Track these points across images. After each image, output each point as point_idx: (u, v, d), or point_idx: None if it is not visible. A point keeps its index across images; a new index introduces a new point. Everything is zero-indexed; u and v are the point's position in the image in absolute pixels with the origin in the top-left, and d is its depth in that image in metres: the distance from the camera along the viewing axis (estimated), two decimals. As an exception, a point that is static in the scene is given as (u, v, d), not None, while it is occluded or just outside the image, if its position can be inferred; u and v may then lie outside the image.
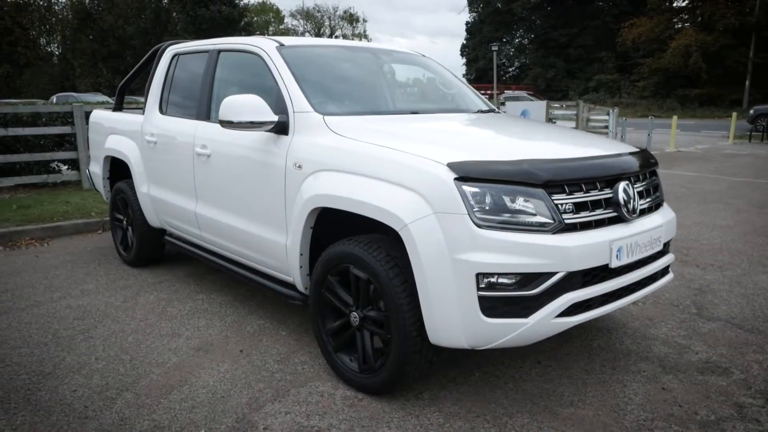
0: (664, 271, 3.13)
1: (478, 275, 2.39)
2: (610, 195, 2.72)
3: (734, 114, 20.06)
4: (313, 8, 66.41)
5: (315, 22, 68.16)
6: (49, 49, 55.36)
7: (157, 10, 46.23)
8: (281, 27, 69.72)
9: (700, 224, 6.62)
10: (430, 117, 3.56)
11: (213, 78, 3.94)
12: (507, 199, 2.46)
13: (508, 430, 2.58)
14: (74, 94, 25.87)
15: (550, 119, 14.75)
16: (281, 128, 3.22)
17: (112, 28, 45.89)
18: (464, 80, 4.54)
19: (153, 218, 4.68)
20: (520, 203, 2.47)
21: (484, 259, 2.38)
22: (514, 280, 2.43)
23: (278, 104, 3.29)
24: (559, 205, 2.52)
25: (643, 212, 2.92)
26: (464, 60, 57.11)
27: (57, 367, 3.21)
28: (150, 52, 4.98)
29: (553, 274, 2.44)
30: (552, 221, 2.49)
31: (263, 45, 3.62)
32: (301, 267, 3.14)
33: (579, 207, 2.59)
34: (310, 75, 3.50)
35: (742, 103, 33.40)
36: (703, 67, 34.32)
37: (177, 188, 4.22)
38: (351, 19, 66.95)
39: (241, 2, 46.20)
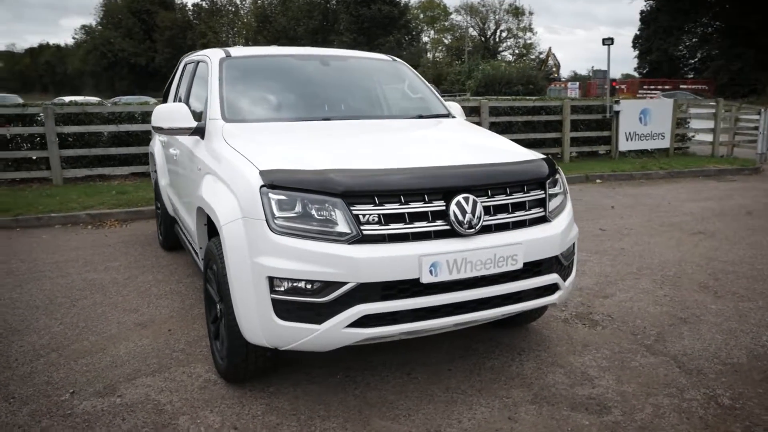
0: (538, 292, 2.94)
1: (270, 279, 2.53)
2: (443, 208, 2.65)
3: None
4: (478, 3, 65.72)
5: (480, 17, 67.65)
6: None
7: (325, 11, 49.40)
8: (446, 24, 70.31)
9: None
10: (336, 124, 3.62)
11: (178, 86, 4.44)
12: (311, 208, 2.56)
13: (309, 431, 2.68)
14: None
15: (681, 120, 13.33)
16: (201, 133, 3.57)
17: (285, 29, 49.99)
18: (430, 86, 4.50)
19: (170, 208, 5.32)
20: (323, 212, 2.55)
21: (276, 264, 2.51)
22: (307, 287, 2.52)
23: (205, 111, 3.65)
24: (360, 216, 2.55)
25: (495, 228, 2.78)
26: (636, 52, 52.78)
27: (27, 327, 3.91)
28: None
29: (343, 283, 2.49)
30: (349, 231, 2.53)
31: (212, 56, 4.01)
32: (201, 260, 3.48)
33: (391, 218, 2.59)
34: (241, 85, 3.81)
35: None
36: None
37: (170, 183, 4.80)
38: (516, 12, 65.35)
39: (402, 1, 47.44)
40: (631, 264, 5.31)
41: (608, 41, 12.02)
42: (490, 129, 11.41)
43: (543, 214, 2.97)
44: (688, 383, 3.11)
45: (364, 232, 2.54)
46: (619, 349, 3.53)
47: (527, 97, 14.84)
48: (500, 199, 2.83)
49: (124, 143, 9.37)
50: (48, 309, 4.24)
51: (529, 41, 66.75)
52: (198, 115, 3.79)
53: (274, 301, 2.55)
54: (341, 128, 3.52)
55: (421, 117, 4.02)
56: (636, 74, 53.47)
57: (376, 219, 2.57)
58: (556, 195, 3.15)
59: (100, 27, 71.64)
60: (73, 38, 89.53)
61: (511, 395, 2.98)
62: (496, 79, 33.79)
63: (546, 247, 2.90)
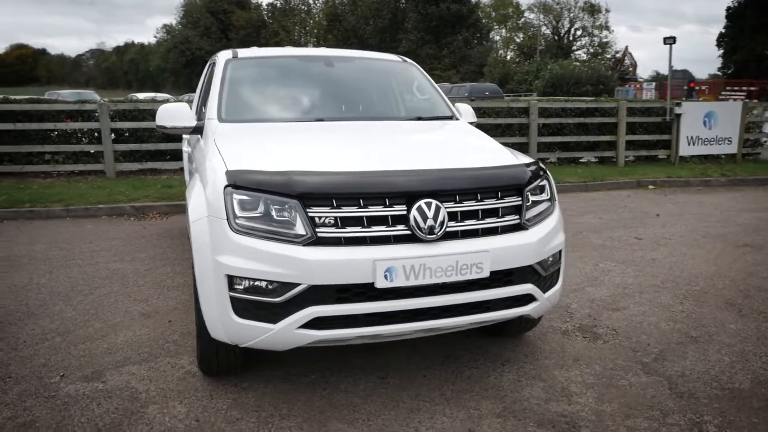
0: (510, 302, 2.84)
1: (229, 277, 2.58)
2: (404, 212, 2.62)
3: None
4: (552, 0, 63.97)
5: (554, 15, 65.90)
6: (306, 49, 63.07)
7: (395, 10, 49.57)
8: (519, 22, 68.94)
9: (815, 264, 5.28)
10: (328, 125, 3.63)
11: (202, 85, 4.58)
12: (272, 209, 2.59)
13: (265, 429, 2.71)
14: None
15: (752, 124, 12.50)
16: (200, 132, 3.69)
17: (354, 27, 50.57)
18: (438, 88, 4.43)
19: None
20: (282, 213, 2.58)
21: (234, 263, 2.56)
22: (263, 287, 2.56)
23: (206, 110, 3.77)
24: (316, 218, 2.55)
25: (462, 235, 2.71)
26: (721, 51, 49.88)
27: (44, 311, 4.17)
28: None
29: (296, 285, 2.51)
30: (304, 233, 2.54)
31: (221, 56, 4.13)
32: None
33: (348, 221, 2.58)
34: (242, 85, 3.90)
35: None
36: None
37: (186, 181, 4.99)
38: (592, 10, 63.17)
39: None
40: (656, 276, 5.04)
41: (670, 40, 11.43)
42: (539, 131, 11.23)
43: (518, 221, 2.87)
44: (675, 407, 2.92)
45: (319, 235, 2.55)
46: (612, 365, 3.37)
47: (582, 98, 14.32)
48: (469, 205, 2.76)
49: (177, 138, 9.76)
50: (67, 295, 4.49)
51: (604, 39, 64.41)
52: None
53: (233, 299, 2.60)
54: (331, 130, 3.53)
55: (420, 119, 3.98)
56: (721, 74, 50.53)
57: (333, 222, 2.57)
58: (540, 202, 3.04)
59: (179, 26, 74.97)
60: (155, 37, 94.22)
61: (479, 407, 2.90)
62: (564, 79, 32.84)
63: (518, 255, 2.80)
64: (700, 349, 3.59)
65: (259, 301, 2.57)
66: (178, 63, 71.85)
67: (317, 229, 2.56)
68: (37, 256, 5.60)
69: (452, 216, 2.71)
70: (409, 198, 2.65)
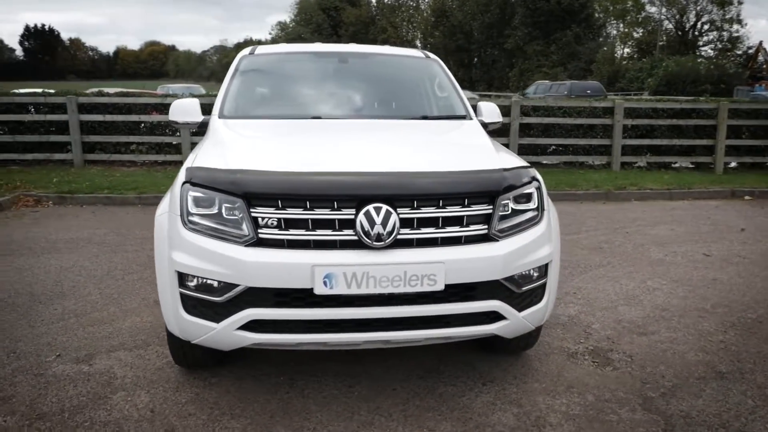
0: (472, 319, 2.63)
1: (179, 273, 2.60)
2: (352, 217, 2.50)
3: None
4: (677, -9, 59.30)
5: (678, 8, 61.20)
6: (411, 45, 63.37)
7: (503, 5, 48.37)
8: (638, 16, 64.77)
9: None
10: (320, 123, 3.54)
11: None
12: (223, 208, 2.57)
13: (210, 427, 2.70)
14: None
15: None
16: (206, 127, 3.75)
17: (461, 23, 49.99)
18: (457, 86, 4.19)
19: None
20: (231, 213, 2.55)
21: (183, 260, 2.58)
22: (207, 285, 2.55)
23: None
24: (260, 219, 2.50)
25: (417, 243, 2.54)
26: None
27: (73, 293, 4.46)
28: None
29: (236, 285, 2.47)
30: (247, 234, 2.50)
31: (242, 52, 4.18)
32: None
33: (292, 224, 2.50)
34: (249, 82, 3.92)
35: None
36: None
37: None
38: (722, 2, 57.92)
39: (585, -8, 44.86)
40: (708, 299, 4.50)
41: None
42: (626, 133, 10.41)
43: (485, 231, 2.64)
44: (662, 452, 2.57)
45: (261, 236, 2.49)
46: (608, 396, 3.03)
47: (676, 98, 13.11)
48: (428, 212, 2.58)
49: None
50: (101, 279, 4.78)
51: (735, 34, 58.89)
52: None
53: (182, 296, 2.62)
54: (322, 128, 3.46)
55: (425, 118, 3.79)
56: None
57: (276, 223, 2.50)
58: (522, 211, 2.79)
59: (293, 23, 78.00)
60: (269, 34, 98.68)
61: (437, 428, 2.72)
62: (680, 77, 30.37)
63: (480, 269, 2.58)
64: (723, 387, 3.14)
65: (204, 299, 2.57)
66: (290, 59, 74.63)
67: (260, 230, 2.50)
68: (94, 240, 6.02)
69: (407, 223, 2.55)
70: (360, 202, 2.52)
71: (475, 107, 4.04)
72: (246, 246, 2.49)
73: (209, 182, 2.61)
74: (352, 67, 4.18)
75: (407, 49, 4.60)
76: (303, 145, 3.12)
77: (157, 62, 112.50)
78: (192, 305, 2.61)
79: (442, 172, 2.71)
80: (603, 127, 10.50)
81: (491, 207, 2.66)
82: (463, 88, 4.32)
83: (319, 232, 2.51)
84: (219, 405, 2.89)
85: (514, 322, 2.72)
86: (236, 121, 3.53)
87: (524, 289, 2.74)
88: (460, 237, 2.61)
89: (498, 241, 2.65)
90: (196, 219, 2.60)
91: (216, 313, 2.55)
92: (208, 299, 2.55)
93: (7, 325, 3.83)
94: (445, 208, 2.60)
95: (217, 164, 2.73)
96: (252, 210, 2.51)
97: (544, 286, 2.87)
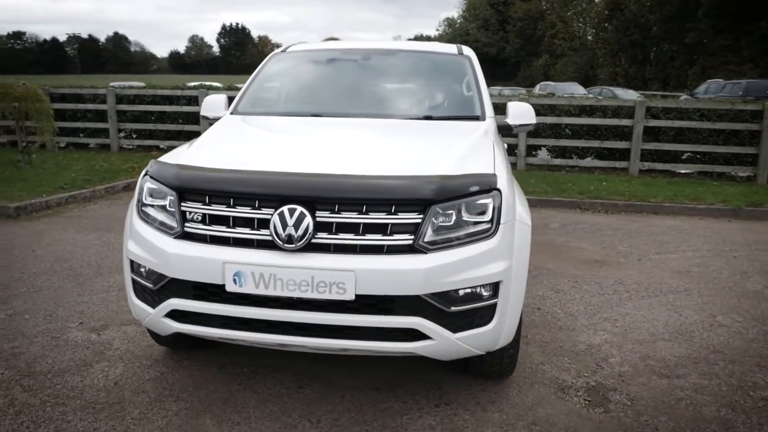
0: (388, 334, 2.48)
1: (130, 260, 2.79)
2: (269, 217, 2.49)
3: None
4: None
5: None
6: (581, 41, 59.92)
7: (686, -5, 43.69)
8: None
9: None
10: (313, 120, 3.58)
11: None
12: (168, 200, 2.71)
13: (150, 408, 2.86)
14: (551, 83, 28.11)
15: None
16: None
17: (636, 16, 46.19)
18: (480, 84, 3.89)
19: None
20: (172, 205, 2.68)
21: (132, 248, 2.77)
22: (146, 273, 2.71)
23: None
24: (188, 213, 2.59)
25: (334, 249, 2.46)
26: None
27: (120, 268, 4.93)
28: None
29: (164, 275, 2.60)
30: (175, 227, 2.61)
31: (275, 51, 4.33)
32: None
33: (216, 220, 2.56)
34: (271, 79, 4.05)
35: None
36: None
37: None
38: None
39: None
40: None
41: None
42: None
43: (410, 242, 2.46)
44: None
45: (186, 230, 2.59)
46: (572, 440, 2.67)
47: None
48: (349, 217, 2.47)
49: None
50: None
51: None
52: None
53: (132, 281, 2.81)
54: (310, 125, 3.48)
55: (429, 118, 3.60)
56: None
57: (201, 218, 2.58)
58: (469, 223, 2.54)
59: (461, 19, 77.96)
60: (436, 30, 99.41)
61: (356, 442, 2.61)
62: None
63: (398, 281, 2.41)
64: (722, 454, 2.60)
65: (145, 285, 2.73)
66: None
67: (186, 224, 2.60)
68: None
69: (326, 227, 2.47)
70: (281, 202, 2.49)
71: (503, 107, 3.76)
72: (174, 238, 2.60)
73: (158, 175, 2.76)
74: (371, 66, 4.13)
75: (441, 44, 4.39)
76: (271, 143, 3.18)
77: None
78: (138, 290, 2.79)
79: (376, 176, 2.57)
80: (750, 133, 9.10)
81: (421, 216, 2.47)
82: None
83: (238, 229, 2.53)
84: (172, 387, 3.05)
85: (442, 343, 2.50)
86: (239, 118, 3.68)
87: (460, 308, 2.51)
88: (382, 246, 2.46)
89: (426, 253, 2.45)
90: (148, 210, 2.77)
91: (153, 299, 2.70)
92: (148, 286, 2.71)
93: (63, 291, 4.39)
94: (368, 214, 2.47)
95: (179, 159, 2.87)
96: (182, 204, 2.61)
97: (493, 307, 2.59)
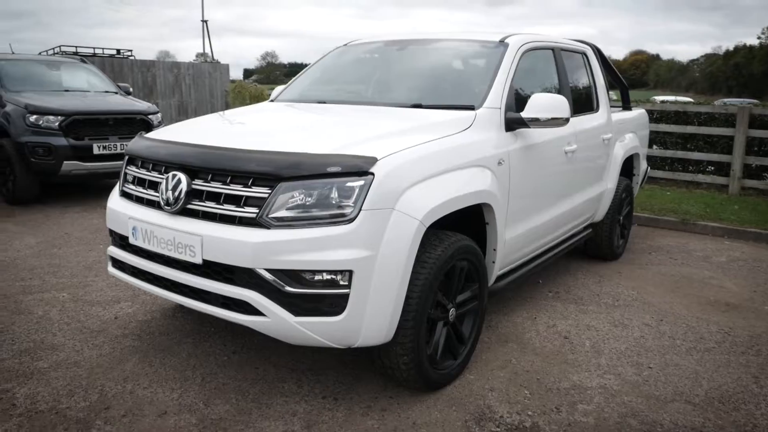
0: (227, 302, 2.58)
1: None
2: (161, 180, 2.80)
3: None
4: None
5: None
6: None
7: None
8: None
9: None
10: (310, 106, 3.91)
11: None
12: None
13: (101, 371, 3.13)
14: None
15: None
16: None
17: None
18: (499, 74, 3.44)
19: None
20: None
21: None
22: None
23: None
24: (127, 175, 3.14)
25: (203, 215, 2.64)
26: None
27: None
28: None
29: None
30: (120, 187, 3.18)
31: (339, 45, 4.59)
32: None
33: (139, 181, 3.02)
34: (320, 70, 4.46)
35: None
36: None
37: None
38: None
39: None
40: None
41: None
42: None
43: (254, 216, 2.48)
44: None
45: (124, 189, 3.12)
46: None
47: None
48: (215, 186, 2.64)
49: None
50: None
51: None
52: None
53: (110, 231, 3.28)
54: (299, 110, 3.86)
55: (418, 106, 3.41)
56: None
57: (131, 179, 3.07)
58: (328, 205, 2.44)
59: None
60: (758, 38, 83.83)
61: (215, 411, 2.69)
62: None
63: (233, 252, 2.49)
64: None
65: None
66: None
67: (125, 185, 3.09)
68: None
69: (199, 194, 2.68)
70: (167, 168, 2.83)
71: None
72: (119, 196, 3.14)
73: (131, 152, 3.19)
74: (401, 56, 4.15)
75: (485, 33, 3.94)
76: (225, 122, 3.61)
77: (638, 71, 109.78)
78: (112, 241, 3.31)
79: (249, 150, 2.66)
80: None
81: (269, 191, 2.47)
82: None
83: (139, 188, 2.98)
84: (145, 360, 3.20)
85: (279, 323, 2.46)
86: (269, 104, 4.19)
87: (299, 290, 2.42)
88: (235, 217, 2.54)
89: (269, 228, 2.44)
90: (126, 183, 3.24)
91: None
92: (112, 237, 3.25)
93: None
94: (229, 186, 2.58)
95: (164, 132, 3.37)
96: (127, 168, 3.13)
97: (344, 297, 2.43)
